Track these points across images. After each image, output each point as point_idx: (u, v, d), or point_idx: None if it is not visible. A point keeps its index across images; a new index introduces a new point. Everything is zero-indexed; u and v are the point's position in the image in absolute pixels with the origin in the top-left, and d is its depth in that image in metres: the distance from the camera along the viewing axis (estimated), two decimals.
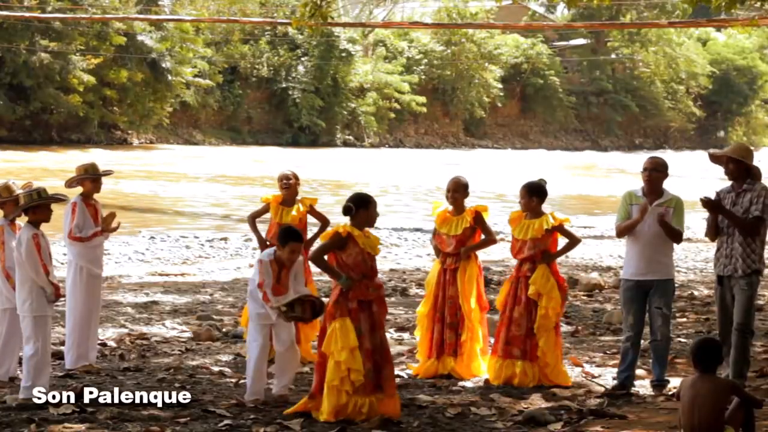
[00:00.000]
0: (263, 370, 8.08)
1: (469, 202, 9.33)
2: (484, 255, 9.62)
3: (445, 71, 71.09)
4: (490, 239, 9.31)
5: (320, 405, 7.52)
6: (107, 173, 9.63)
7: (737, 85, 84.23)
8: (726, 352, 8.18)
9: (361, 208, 7.57)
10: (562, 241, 9.08)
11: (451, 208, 9.23)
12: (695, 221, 20.79)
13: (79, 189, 9.46)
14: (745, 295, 8.14)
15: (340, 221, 7.86)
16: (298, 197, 10.06)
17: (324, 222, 10.05)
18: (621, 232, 8.64)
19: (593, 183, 42.11)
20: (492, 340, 9.32)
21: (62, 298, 8.74)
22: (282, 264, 7.95)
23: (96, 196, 9.50)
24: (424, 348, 9.26)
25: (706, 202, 8.17)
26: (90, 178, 9.37)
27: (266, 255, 8.02)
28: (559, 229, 8.91)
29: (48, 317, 8.03)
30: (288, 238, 7.94)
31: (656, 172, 8.45)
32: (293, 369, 8.21)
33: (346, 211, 7.56)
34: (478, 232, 9.20)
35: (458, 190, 9.17)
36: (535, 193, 8.90)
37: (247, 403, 7.94)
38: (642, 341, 8.76)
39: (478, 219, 9.16)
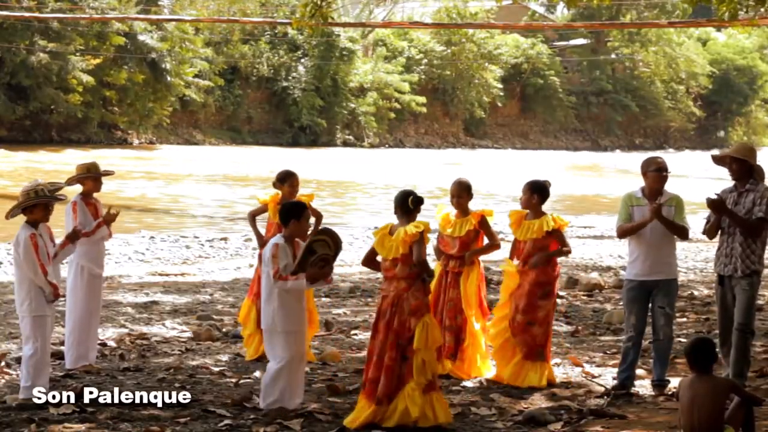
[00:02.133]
0: (300, 380, 7.79)
1: (472, 203, 9.32)
2: (484, 256, 9.59)
3: (445, 71, 71.08)
4: (495, 244, 9.26)
5: (387, 411, 7.34)
6: (108, 173, 9.62)
7: (737, 85, 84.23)
8: (726, 352, 8.19)
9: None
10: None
11: (455, 211, 9.22)
12: (696, 221, 20.78)
13: (80, 188, 9.47)
14: (746, 294, 8.14)
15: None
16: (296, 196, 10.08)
17: (318, 217, 10.07)
18: (623, 234, 8.62)
19: (593, 183, 42.10)
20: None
21: (62, 298, 8.73)
22: (293, 241, 7.73)
23: (96, 195, 9.52)
24: None
25: (711, 203, 8.17)
26: (90, 177, 9.38)
27: (278, 239, 7.69)
28: (556, 233, 8.88)
29: (47, 317, 8.02)
30: (301, 209, 7.77)
31: (666, 172, 8.48)
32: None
33: (419, 202, 7.52)
34: (482, 235, 9.19)
35: (462, 195, 9.16)
36: (537, 190, 8.90)
37: (265, 408, 7.64)
38: (642, 341, 8.75)
39: (483, 223, 9.14)
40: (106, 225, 9.34)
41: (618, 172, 49.92)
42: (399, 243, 7.35)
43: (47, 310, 8.00)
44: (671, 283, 8.50)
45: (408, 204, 7.46)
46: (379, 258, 7.64)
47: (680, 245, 8.65)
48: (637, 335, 8.54)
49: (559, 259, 9.12)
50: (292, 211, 7.76)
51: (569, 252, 9.11)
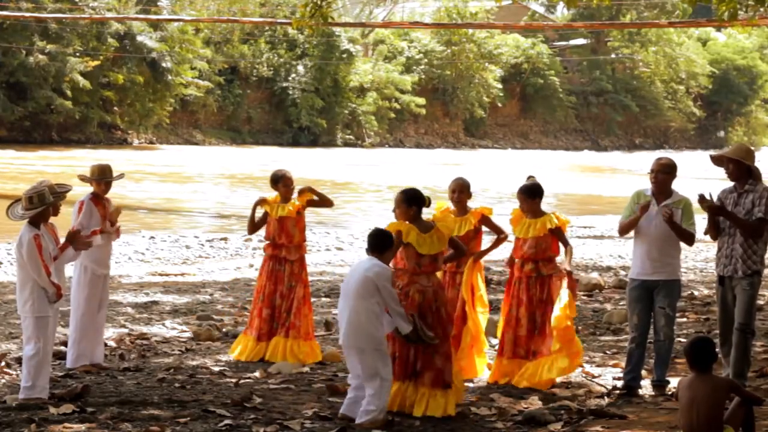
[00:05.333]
0: None
1: (472, 203, 9.32)
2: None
3: (445, 71, 71.10)
4: (502, 237, 9.23)
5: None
6: (118, 177, 9.56)
7: (737, 85, 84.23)
8: (726, 352, 8.18)
9: None
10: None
11: (453, 208, 9.20)
12: (697, 222, 20.78)
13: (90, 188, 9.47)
14: (747, 294, 8.12)
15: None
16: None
17: (327, 202, 10.08)
18: (622, 230, 8.61)
19: (593, 183, 42.10)
20: (494, 340, 9.30)
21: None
22: None
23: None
24: None
25: (711, 207, 8.14)
26: (99, 180, 9.34)
27: (386, 267, 7.46)
28: (557, 232, 8.87)
29: (49, 318, 8.00)
30: (393, 240, 7.58)
31: (662, 173, 8.40)
32: None
33: (430, 201, 7.97)
34: (480, 234, 9.18)
35: (463, 191, 9.15)
36: (537, 194, 8.89)
37: (368, 426, 7.36)
38: (647, 342, 8.69)
39: (485, 221, 9.13)
40: (100, 234, 9.22)
41: (618, 172, 49.92)
42: (443, 238, 7.76)
43: (49, 310, 7.99)
44: (673, 283, 8.45)
45: (426, 203, 7.84)
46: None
47: (681, 245, 8.58)
48: (641, 336, 8.49)
49: (559, 259, 9.08)
50: (390, 240, 7.57)
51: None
